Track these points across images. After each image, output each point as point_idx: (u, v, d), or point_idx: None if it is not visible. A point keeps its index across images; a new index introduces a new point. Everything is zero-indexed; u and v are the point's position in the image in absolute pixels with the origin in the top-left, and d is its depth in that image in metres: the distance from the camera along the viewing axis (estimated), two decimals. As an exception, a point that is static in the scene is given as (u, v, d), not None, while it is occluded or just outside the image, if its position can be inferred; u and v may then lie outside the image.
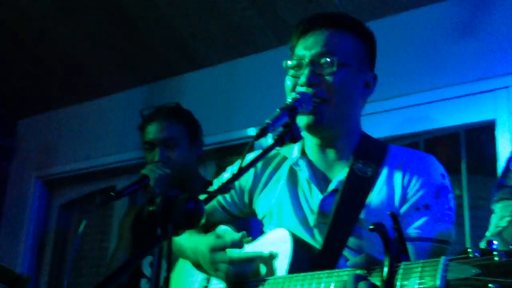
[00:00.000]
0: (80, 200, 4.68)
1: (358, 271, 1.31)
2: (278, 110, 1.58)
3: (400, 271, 1.21)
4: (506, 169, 1.79)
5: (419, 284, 1.16)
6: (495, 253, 1.03)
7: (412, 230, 1.58)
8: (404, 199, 1.62)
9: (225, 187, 1.32)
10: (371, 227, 1.27)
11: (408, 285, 1.18)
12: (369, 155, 1.71)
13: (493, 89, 2.76)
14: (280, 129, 1.58)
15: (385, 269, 1.22)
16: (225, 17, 3.56)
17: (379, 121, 2.99)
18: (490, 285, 1.01)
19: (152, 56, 4.05)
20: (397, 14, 3.14)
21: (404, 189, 1.63)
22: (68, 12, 3.98)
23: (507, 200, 1.70)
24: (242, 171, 1.40)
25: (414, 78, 3.02)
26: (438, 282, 1.11)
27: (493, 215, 1.76)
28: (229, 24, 3.58)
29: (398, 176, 1.65)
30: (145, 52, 4.04)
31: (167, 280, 1.06)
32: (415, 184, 1.62)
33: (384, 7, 3.15)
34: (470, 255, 1.07)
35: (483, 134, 2.89)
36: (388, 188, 1.64)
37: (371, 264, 1.29)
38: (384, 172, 1.68)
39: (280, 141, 1.57)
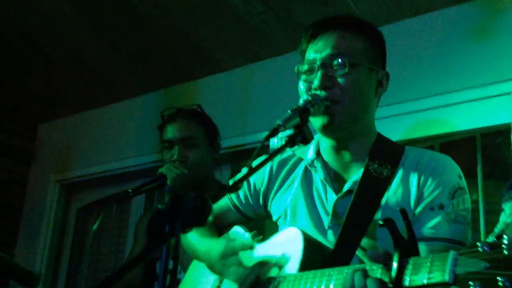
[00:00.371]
0: (97, 203, 4.72)
1: (360, 266, 1.32)
2: (289, 111, 1.60)
3: (410, 266, 1.21)
4: None
5: (428, 278, 1.16)
6: (504, 246, 1.03)
7: (427, 230, 1.58)
8: (419, 199, 1.62)
9: (234, 187, 1.33)
10: (381, 222, 1.27)
11: (417, 280, 1.18)
12: (385, 156, 1.71)
13: (509, 92, 2.74)
14: (291, 130, 1.60)
15: (394, 264, 1.22)
16: (241, 21, 3.57)
17: (394, 124, 2.98)
18: (498, 278, 1.02)
19: (168, 61, 4.08)
20: (412, 17, 3.14)
21: (420, 190, 1.63)
22: (86, 18, 4.03)
23: None
24: (251, 171, 1.42)
25: (429, 81, 3.01)
26: (447, 277, 1.11)
27: (502, 213, 1.75)
28: (245, 28, 3.60)
29: (414, 177, 1.65)
30: (161, 56, 4.07)
31: (177, 281, 1.06)
32: (430, 184, 1.62)
33: (400, 11, 3.14)
34: (479, 249, 1.07)
35: (499, 137, 2.87)
36: (404, 188, 1.64)
37: (386, 259, 1.29)
38: (400, 172, 1.68)
39: (291, 142, 1.58)
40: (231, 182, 2.00)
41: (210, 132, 2.72)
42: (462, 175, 1.67)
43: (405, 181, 1.65)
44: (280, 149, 1.55)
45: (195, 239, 1.95)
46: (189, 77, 4.10)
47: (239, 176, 1.94)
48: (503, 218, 1.73)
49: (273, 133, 1.53)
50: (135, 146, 4.35)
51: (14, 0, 4.01)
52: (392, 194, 1.64)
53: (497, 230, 1.71)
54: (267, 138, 1.52)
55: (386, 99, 2.92)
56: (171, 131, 2.66)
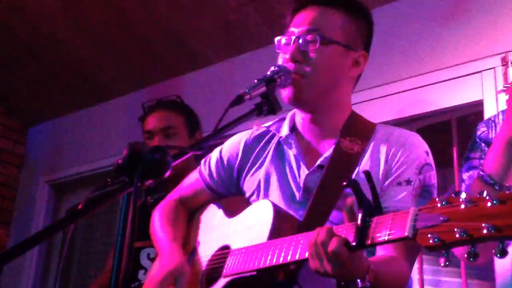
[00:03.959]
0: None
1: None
2: (256, 81, 1.63)
3: (372, 225, 1.24)
4: (473, 141, 1.82)
5: (389, 235, 1.19)
6: (461, 200, 1.07)
7: (393, 202, 1.60)
8: (387, 174, 1.65)
9: (197, 146, 1.36)
10: (345, 183, 1.31)
11: (379, 236, 1.22)
12: (356, 132, 1.73)
13: (480, 70, 2.82)
14: (258, 99, 1.63)
15: (358, 223, 1.26)
16: (222, 14, 3.62)
17: (371, 108, 3.04)
18: (455, 229, 1.05)
19: (153, 58, 4.12)
20: (385, 4, 3.22)
21: (388, 165, 1.65)
22: (72, 19, 4.07)
23: (472, 169, 1.75)
24: (217, 133, 1.45)
25: (403, 64, 3.08)
26: (407, 232, 1.15)
27: (462, 184, 1.80)
28: (226, 21, 3.64)
29: (382, 152, 1.68)
30: (146, 54, 4.12)
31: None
32: (398, 159, 1.65)
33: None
34: (438, 205, 1.11)
35: (472, 115, 2.93)
36: (373, 163, 1.67)
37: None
38: (370, 148, 1.70)
39: (258, 110, 1.61)
40: (202, 162, 2.03)
41: (190, 122, 2.73)
42: (429, 151, 1.70)
43: (374, 156, 1.68)
44: (246, 115, 1.57)
45: (159, 225, 1.96)
46: (173, 73, 4.14)
47: (213, 155, 1.98)
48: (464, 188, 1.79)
49: (238, 99, 1.56)
50: (123, 145, 4.35)
51: (1, 2, 4.06)
52: (361, 169, 1.66)
53: None
54: (232, 105, 1.56)
55: (364, 83, 2.99)
56: (151, 122, 2.68)
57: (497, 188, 1.59)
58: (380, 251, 1.59)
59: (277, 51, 1.78)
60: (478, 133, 1.81)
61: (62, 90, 4.68)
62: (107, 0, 3.84)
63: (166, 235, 1.90)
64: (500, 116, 1.78)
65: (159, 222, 1.96)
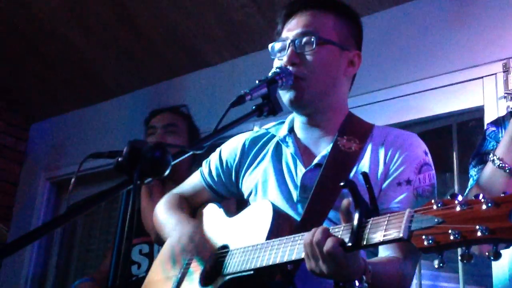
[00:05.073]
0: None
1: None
2: (257, 81, 1.65)
3: (369, 226, 1.25)
4: (483, 138, 1.84)
5: (384, 236, 1.20)
6: (456, 202, 1.08)
7: (394, 204, 1.61)
8: (386, 174, 1.66)
9: (197, 145, 1.37)
10: (342, 183, 1.31)
11: (375, 238, 1.22)
12: (354, 132, 1.75)
13: (481, 76, 2.83)
14: (260, 100, 1.65)
15: (355, 223, 1.26)
16: (225, 15, 3.63)
17: (373, 111, 3.04)
18: (450, 231, 1.06)
19: (156, 57, 4.14)
20: (388, 8, 3.23)
21: (386, 165, 1.66)
22: (76, 17, 4.09)
23: (481, 164, 1.76)
24: (217, 133, 1.46)
25: (406, 69, 3.09)
26: (401, 233, 1.15)
27: (470, 179, 1.81)
28: (229, 22, 3.65)
29: (381, 152, 1.69)
30: (148, 53, 4.13)
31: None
32: (397, 160, 1.66)
33: (378, 2, 3.22)
34: (434, 207, 1.12)
35: (473, 121, 2.94)
36: (372, 163, 1.68)
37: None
38: (368, 148, 1.71)
39: (258, 111, 1.62)
40: (204, 163, 2.05)
41: (191, 130, 2.83)
42: (428, 151, 1.72)
43: (373, 156, 1.69)
44: (247, 116, 1.59)
45: (164, 213, 1.98)
46: (176, 73, 4.15)
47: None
48: (470, 183, 1.80)
49: (239, 100, 1.58)
50: (124, 143, 4.37)
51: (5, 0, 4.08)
52: (360, 169, 1.67)
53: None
54: (233, 105, 1.57)
55: (365, 87, 3.00)
56: (155, 120, 2.80)
57: (508, 171, 1.60)
58: (382, 252, 1.59)
59: (272, 57, 1.80)
60: (488, 132, 1.83)
61: (65, 87, 4.69)
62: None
63: (174, 213, 1.92)
64: (509, 116, 1.81)
65: (163, 209, 1.99)
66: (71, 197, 4.95)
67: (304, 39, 1.73)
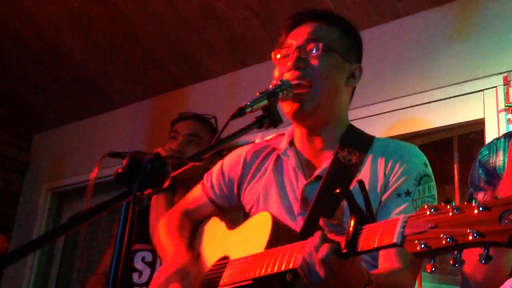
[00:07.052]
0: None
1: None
2: (258, 94, 1.65)
3: (364, 232, 1.25)
4: (473, 168, 1.78)
5: (379, 242, 1.20)
6: (449, 207, 1.08)
7: (393, 216, 1.59)
8: (386, 186, 1.65)
9: (198, 157, 1.38)
10: (338, 191, 1.32)
11: (369, 243, 1.23)
12: (354, 144, 1.74)
13: (482, 89, 2.85)
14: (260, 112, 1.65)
15: (350, 231, 1.27)
16: (227, 27, 3.65)
17: (375, 123, 3.07)
18: (442, 235, 1.06)
19: (158, 69, 4.16)
20: (390, 22, 3.26)
21: (386, 177, 1.66)
22: (79, 29, 4.11)
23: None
24: (217, 144, 1.46)
25: (407, 81, 3.11)
26: (395, 239, 1.16)
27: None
28: (231, 34, 3.67)
29: (380, 164, 1.68)
30: (151, 65, 4.15)
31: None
32: (397, 171, 1.65)
33: (379, 16, 3.24)
34: (427, 212, 1.12)
35: (473, 133, 2.95)
36: (371, 175, 1.67)
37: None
38: (368, 160, 1.70)
39: (259, 123, 1.62)
40: (204, 176, 2.05)
41: None
42: (427, 163, 1.71)
43: (373, 168, 1.69)
44: (247, 128, 1.58)
45: (164, 236, 1.98)
46: (178, 85, 4.17)
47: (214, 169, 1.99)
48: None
49: (239, 112, 1.58)
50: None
51: (9, 10, 4.10)
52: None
53: None
54: (234, 117, 1.57)
55: (366, 100, 3.01)
56: (181, 126, 2.76)
57: None
58: (383, 263, 1.60)
59: (275, 64, 1.80)
60: (480, 157, 1.76)
61: (67, 98, 4.71)
62: (115, 11, 3.88)
63: (172, 240, 1.91)
64: (502, 140, 1.74)
65: (164, 231, 1.98)
66: (71, 208, 4.94)
67: (310, 45, 1.73)
